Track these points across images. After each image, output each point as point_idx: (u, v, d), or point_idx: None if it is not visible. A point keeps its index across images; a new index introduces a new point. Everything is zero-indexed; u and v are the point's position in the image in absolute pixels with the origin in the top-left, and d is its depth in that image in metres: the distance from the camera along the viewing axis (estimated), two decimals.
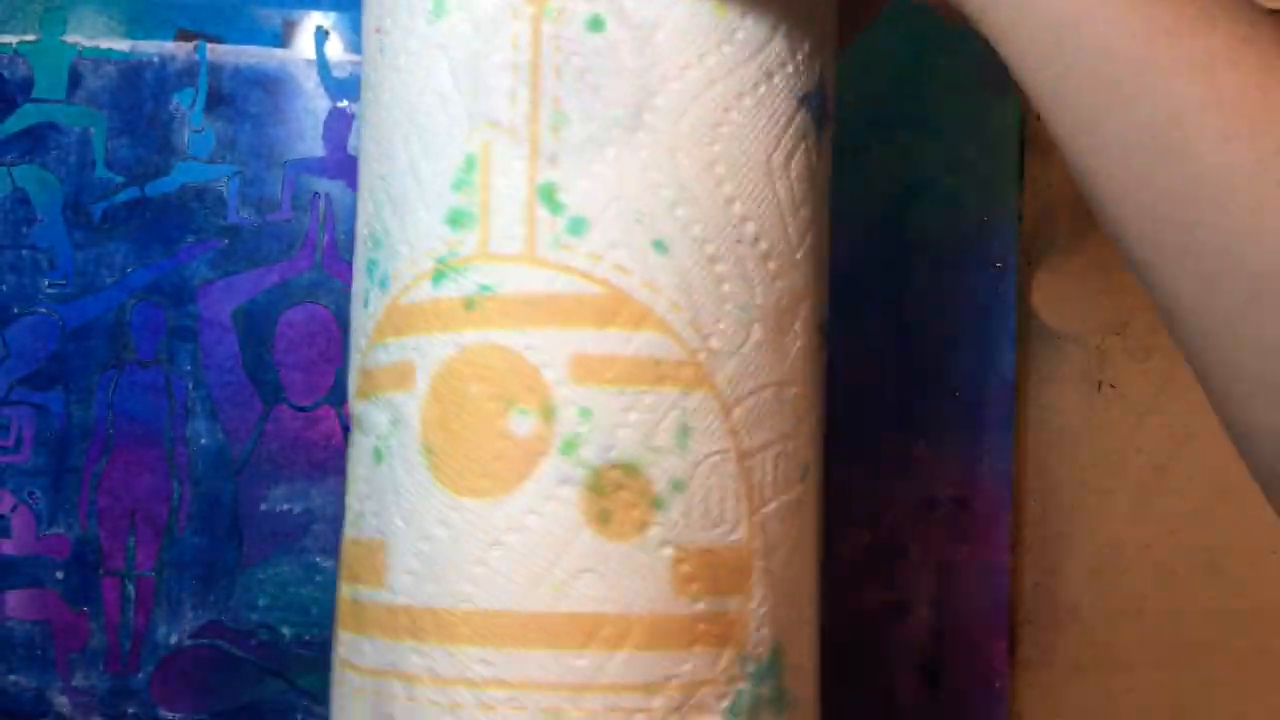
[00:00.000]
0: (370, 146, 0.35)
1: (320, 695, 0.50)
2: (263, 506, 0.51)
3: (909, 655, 0.51)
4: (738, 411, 0.32)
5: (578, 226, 0.31)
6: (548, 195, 0.31)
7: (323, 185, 0.51)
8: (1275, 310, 0.28)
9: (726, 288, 0.32)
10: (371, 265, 0.35)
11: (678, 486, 0.31)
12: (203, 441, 0.51)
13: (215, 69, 0.51)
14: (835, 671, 0.51)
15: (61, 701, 0.50)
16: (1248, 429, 0.30)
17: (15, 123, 0.51)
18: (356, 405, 0.35)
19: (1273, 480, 0.30)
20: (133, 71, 0.51)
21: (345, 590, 0.34)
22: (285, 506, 0.51)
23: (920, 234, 0.51)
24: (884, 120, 0.51)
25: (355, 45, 0.51)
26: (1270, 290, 0.28)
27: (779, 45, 0.33)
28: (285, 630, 0.50)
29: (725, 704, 0.32)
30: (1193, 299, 0.30)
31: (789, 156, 0.33)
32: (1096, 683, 0.52)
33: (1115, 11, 0.31)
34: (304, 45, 0.51)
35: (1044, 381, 0.52)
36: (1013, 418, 0.51)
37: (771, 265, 0.33)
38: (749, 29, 0.33)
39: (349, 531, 0.34)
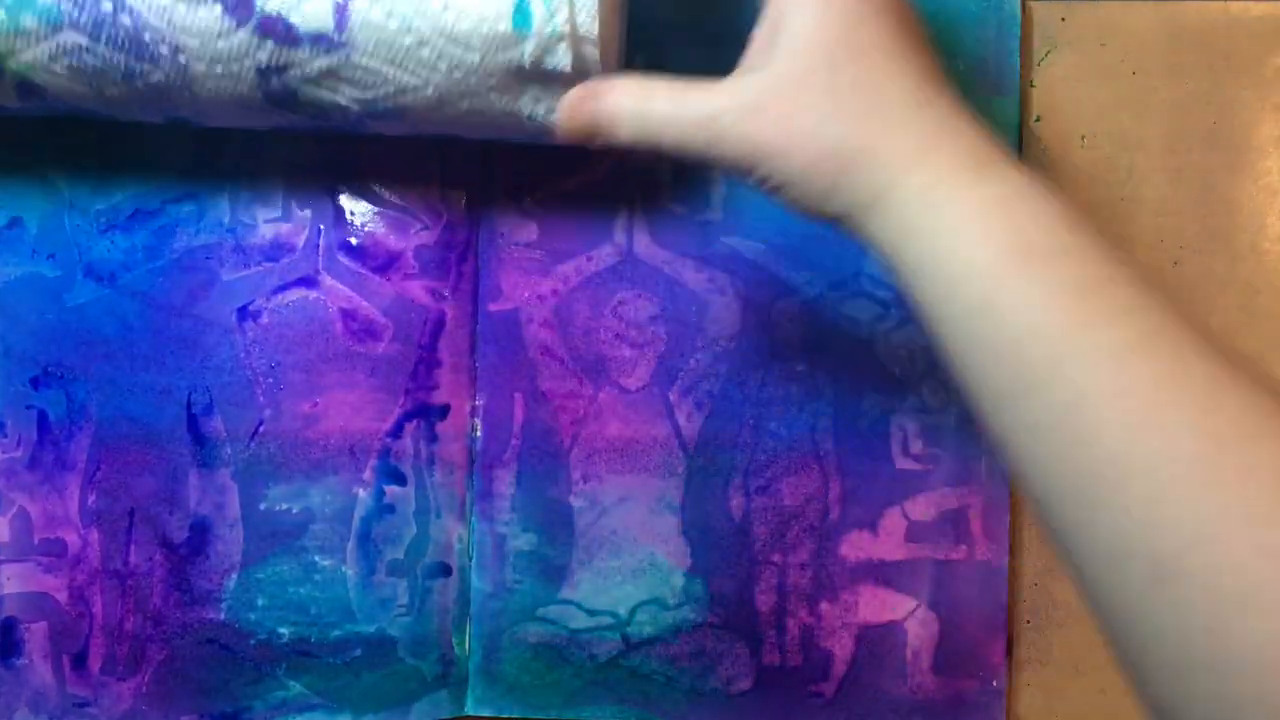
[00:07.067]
0: None
1: (320, 695, 0.50)
2: (262, 506, 0.51)
3: (907, 655, 0.51)
4: None
5: None
6: None
7: (322, 187, 0.51)
8: (1175, 595, 0.29)
9: None
10: None
11: None
12: (203, 441, 0.51)
13: None
14: (835, 671, 0.51)
15: (61, 703, 0.50)
16: (1162, 705, 0.30)
17: None
18: None
19: None
20: None
21: None
22: (285, 506, 0.51)
23: None
24: None
25: None
26: (1170, 575, 0.29)
27: None
28: (284, 630, 0.50)
29: None
30: (1102, 576, 0.31)
31: None
32: (1095, 683, 0.52)
33: (1035, 299, 0.32)
34: None
35: None
36: None
37: None
38: None
39: None
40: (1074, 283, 0.32)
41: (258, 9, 0.40)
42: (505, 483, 0.51)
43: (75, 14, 0.40)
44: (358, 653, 0.50)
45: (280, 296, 0.51)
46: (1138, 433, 0.30)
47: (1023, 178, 0.35)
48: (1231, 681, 0.28)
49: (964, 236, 0.33)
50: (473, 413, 0.51)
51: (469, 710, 0.51)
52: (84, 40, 0.41)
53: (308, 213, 0.51)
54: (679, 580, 0.51)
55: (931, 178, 0.35)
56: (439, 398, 0.51)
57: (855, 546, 0.51)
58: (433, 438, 0.51)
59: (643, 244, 0.51)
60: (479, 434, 0.51)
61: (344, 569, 0.50)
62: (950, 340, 0.34)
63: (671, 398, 0.51)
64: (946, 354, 0.34)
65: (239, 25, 0.40)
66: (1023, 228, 0.33)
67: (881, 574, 0.51)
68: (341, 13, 0.40)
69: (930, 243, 0.34)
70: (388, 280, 0.51)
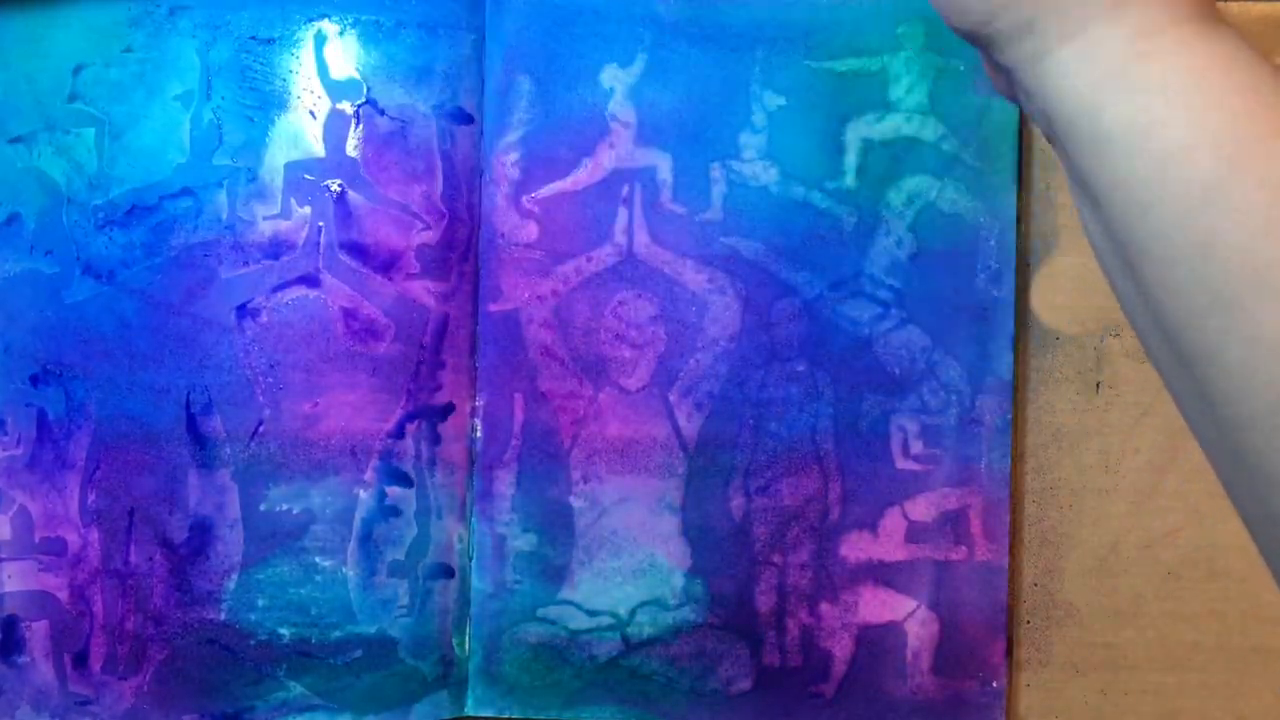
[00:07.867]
0: None
1: (321, 696, 0.51)
2: (262, 506, 0.51)
3: (907, 655, 0.51)
4: None
5: None
6: None
7: (322, 185, 0.51)
8: None
9: None
10: None
11: None
12: (203, 441, 0.51)
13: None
14: (835, 671, 0.51)
15: (63, 701, 0.51)
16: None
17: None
18: None
19: None
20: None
21: None
22: (285, 506, 0.51)
23: (918, 234, 0.51)
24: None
25: (353, 47, 0.51)
26: None
27: None
28: (284, 630, 0.51)
29: None
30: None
31: None
32: (1095, 683, 0.52)
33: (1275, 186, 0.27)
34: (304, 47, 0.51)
35: (1042, 382, 0.52)
36: (1011, 418, 0.51)
37: None
38: None
39: None
40: None
41: None
42: (505, 483, 0.51)
43: None
44: (358, 653, 0.51)
45: (280, 295, 0.51)
46: None
47: (1237, 34, 0.29)
48: None
49: (1188, 101, 0.27)
50: (473, 413, 0.51)
51: (469, 711, 0.51)
52: None
53: (307, 209, 0.51)
54: (679, 581, 0.51)
55: (1149, 20, 0.28)
56: (441, 398, 0.51)
57: (855, 547, 0.51)
58: (435, 439, 0.51)
59: (643, 244, 0.51)
60: (479, 434, 0.51)
61: (345, 570, 0.51)
62: (1142, 231, 0.28)
63: (671, 398, 0.51)
64: (1129, 250, 0.28)
65: None
66: (1255, 98, 0.27)
67: (881, 574, 0.51)
68: None
69: (1141, 101, 0.28)
70: (389, 280, 0.51)
